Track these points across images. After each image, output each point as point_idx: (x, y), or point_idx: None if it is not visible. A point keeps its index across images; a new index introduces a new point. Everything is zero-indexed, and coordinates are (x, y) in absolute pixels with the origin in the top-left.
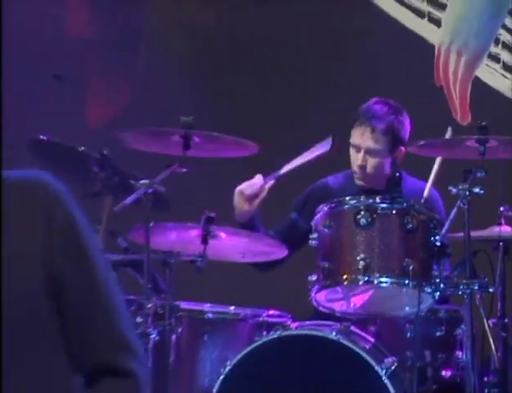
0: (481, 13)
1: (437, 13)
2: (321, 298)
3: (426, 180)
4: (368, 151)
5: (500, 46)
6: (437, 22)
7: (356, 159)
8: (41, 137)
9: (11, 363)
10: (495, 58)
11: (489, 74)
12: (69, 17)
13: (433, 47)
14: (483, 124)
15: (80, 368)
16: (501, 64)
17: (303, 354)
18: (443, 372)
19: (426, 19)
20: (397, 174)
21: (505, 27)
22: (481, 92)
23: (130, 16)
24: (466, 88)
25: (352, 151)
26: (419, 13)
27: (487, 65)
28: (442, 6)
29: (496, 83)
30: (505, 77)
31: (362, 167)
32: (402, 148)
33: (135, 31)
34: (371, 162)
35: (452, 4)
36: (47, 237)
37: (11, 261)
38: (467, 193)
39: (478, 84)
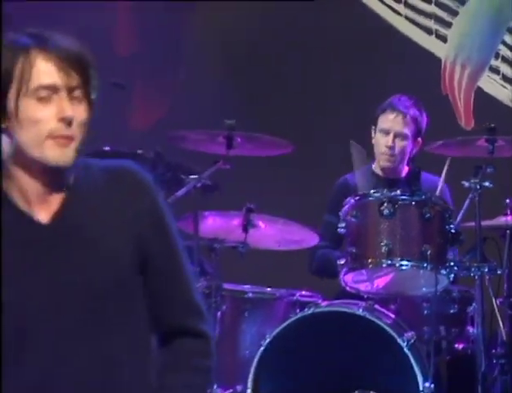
0: (483, 31)
1: (443, 30)
2: (348, 279)
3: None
4: (397, 135)
5: (499, 59)
6: (443, 38)
7: (385, 141)
8: (105, 148)
9: (103, 325)
10: (495, 70)
11: (490, 84)
12: (117, 30)
13: (439, 60)
14: (492, 126)
15: (157, 330)
16: (501, 75)
17: (332, 329)
18: (456, 345)
19: (434, 35)
20: (417, 170)
21: (504, 43)
22: (483, 101)
23: (172, 26)
24: (469, 97)
25: (379, 135)
26: (428, 30)
27: (488, 76)
28: (448, 24)
29: (496, 92)
30: (505, 87)
31: (391, 148)
32: (420, 139)
33: (177, 41)
34: (399, 144)
35: (457, 22)
36: (135, 217)
37: (103, 234)
38: (478, 187)
39: (480, 94)
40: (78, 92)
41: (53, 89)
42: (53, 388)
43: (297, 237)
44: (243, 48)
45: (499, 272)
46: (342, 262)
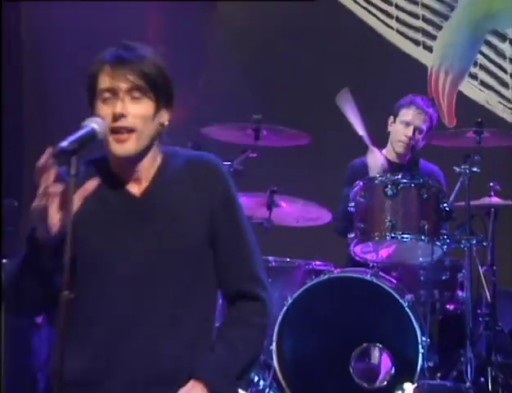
0: (463, 42)
1: (429, 42)
2: (357, 250)
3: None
4: (416, 128)
5: (478, 67)
6: (429, 49)
7: (406, 132)
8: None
9: (173, 281)
10: (474, 77)
11: (469, 88)
12: (146, 31)
13: (426, 67)
14: (479, 120)
15: (222, 293)
16: (479, 81)
17: (344, 292)
18: (448, 306)
19: (421, 46)
20: (417, 157)
21: (481, 53)
22: (463, 103)
23: (198, 26)
24: (452, 99)
25: (400, 126)
26: (416, 42)
27: (468, 81)
28: (434, 37)
29: (474, 95)
30: (482, 91)
31: (411, 138)
32: (429, 134)
33: (202, 40)
34: (416, 136)
35: (441, 35)
36: (210, 197)
37: (182, 209)
38: (467, 172)
39: (461, 96)
40: (136, 93)
41: (112, 91)
42: (132, 318)
43: (313, 215)
44: (261, 48)
45: (484, 244)
46: (351, 236)
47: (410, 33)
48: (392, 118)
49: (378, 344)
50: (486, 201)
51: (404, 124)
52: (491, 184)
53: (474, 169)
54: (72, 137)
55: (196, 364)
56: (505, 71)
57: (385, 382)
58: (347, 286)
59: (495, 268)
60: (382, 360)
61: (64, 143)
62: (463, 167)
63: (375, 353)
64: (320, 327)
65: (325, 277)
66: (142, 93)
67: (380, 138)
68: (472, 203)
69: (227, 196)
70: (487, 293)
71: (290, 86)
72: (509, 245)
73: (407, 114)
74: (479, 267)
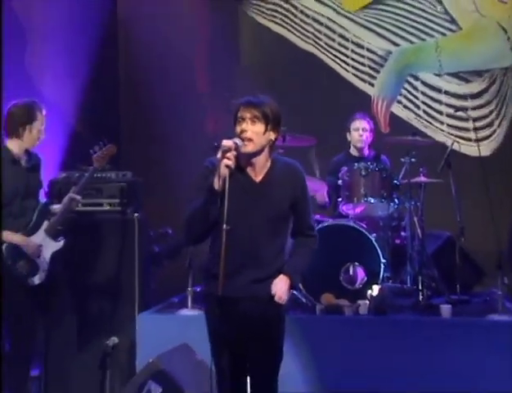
0: (392, 82)
1: (372, 81)
2: (343, 208)
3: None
4: (364, 130)
5: (402, 96)
6: (372, 85)
7: (358, 134)
8: (215, 143)
9: (273, 230)
10: (399, 102)
11: (398, 109)
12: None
13: (370, 96)
14: (414, 131)
15: (293, 233)
16: (402, 105)
17: (336, 232)
18: (396, 241)
19: (367, 83)
20: (378, 153)
21: (404, 88)
22: (393, 119)
23: (223, 54)
24: (386, 116)
25: (354, 132)
26: (364, 80)
27: (395, 105)
28: (375, 77)
29: (400, 114)
30: (404, 111)
31: (361, 135)
32: (372, 134)
33: (229, 68)
34: (367, 135)
35: (379, 77)
36: (294, 189)
37: (279, 193)
38: (408, 161)
39: (392, 115)
40: (256, 119)
41: (242, 118)
42: (251, 245)
43: (313, 187)
44: (269, 84)
45: (418, 204)
46: (340, 200)
47: (359, 74)
48: (348, 131)
49: (356, 263)
50: (419, 179)
51: (355, 130)
52: (421, 169)
53: (412, 160)
54: (230, 141)
55: (285, 266)
56: (417, 98)
57: (361, 285)
58: (338, 229)
59: (423, 218)
60: (358, 273)
61: (228, 142)
62: (406, 158)
63: (355, 269)
64: (322, 254)
65: (325, 224)
66: (257, 120)
67: (343, 145)
68: (411, 180)
69: (302, 188)
70: (419, 233)
71: (303, 102)
72: (431, 204)
73: (355, 124)
74: (415, 218)
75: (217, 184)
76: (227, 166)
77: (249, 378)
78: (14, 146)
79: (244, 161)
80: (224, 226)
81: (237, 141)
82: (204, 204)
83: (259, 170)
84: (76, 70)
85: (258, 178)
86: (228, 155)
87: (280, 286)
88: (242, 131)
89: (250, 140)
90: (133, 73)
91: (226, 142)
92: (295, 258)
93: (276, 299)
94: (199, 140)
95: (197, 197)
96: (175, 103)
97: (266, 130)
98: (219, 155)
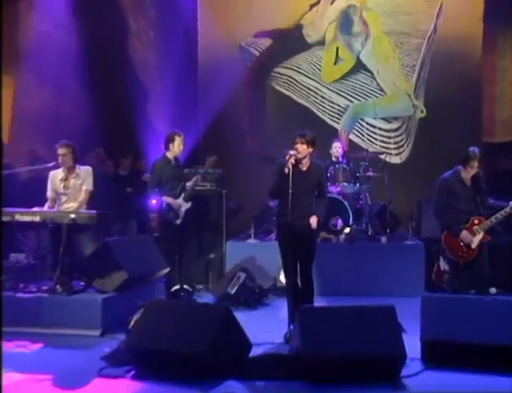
0: (351, 121)
1: (338, 121)
2: (331, 188)
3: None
4: (339, 147)
5: (355, 129)
6: (338, 122)
7: (336, 150)
8: (263, 153)
9: (309, 194)
10: (354, 132)
11: (355, 137)
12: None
13: (337, 129)
14: (365, 148)
15: (317, 196)
16: (355, 134)
17: (329, 201)
18: (357, 206)
19: (335, 122)
20: (347, 159)
21: (358, 122)
22: (351, 142)
23: (255, 101)
24: (347, 141)
25: (333, 149)
26: (333, 118)
27: (352, 133)
28: (340, 117)
29: (355, 139)
30: (358, 137)
31: (339, 151)
32: (311, 148)
33: (259, 110)
34: (340, 150)
35: (343, 117)
36: (320, 176)
37: (312, 177)
38: (363, 164)
39: (350, 141)
40: (304, 142)
41: (296, 142)
42: (300, 200)
43: None
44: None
45: (368, 187)
46: (328, 184)
47: (332, 117)
48: (330, 148)
49: (337, 216)
50: (369, 173)
51: (335, 147)
52: (370, 168)
53: (366, 163)
54: (292, 151)
55: (313, 211)
56: (363, 131)
57: (340, 228)
58: (329, 198)
59: (371, 194)
60: (339, 221)
61: (292, 152)
62: (362, 162)
63: (337, 220)
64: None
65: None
66: (304, 143)
67: (326, 156)
68: (366, 174)
69: (322, 175)
70: (369, 202)
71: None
72: (375, 187)
73: (334, 144)
74: (367, 194)
75: (286, 171)
76: (291, 163)
77: (298, 266)
78: (169, 154)
79: (298, 161)
80: (290, 191)
81: (294, 152)
82: (279, 181)
83: (305, 165)
84: (181, 113)
85: (304, 169)
86: (292, 158)
87: (313, 220)
88: (297, 148)
89: (300, 152)
90: (211, 114)
91: (291, 152)
92: (318, 207)
93: (312, 226)
94: (249, 152)
95: (274, 178)
96: (237, 136)
97: (307, 147)
98: (287, 157)
